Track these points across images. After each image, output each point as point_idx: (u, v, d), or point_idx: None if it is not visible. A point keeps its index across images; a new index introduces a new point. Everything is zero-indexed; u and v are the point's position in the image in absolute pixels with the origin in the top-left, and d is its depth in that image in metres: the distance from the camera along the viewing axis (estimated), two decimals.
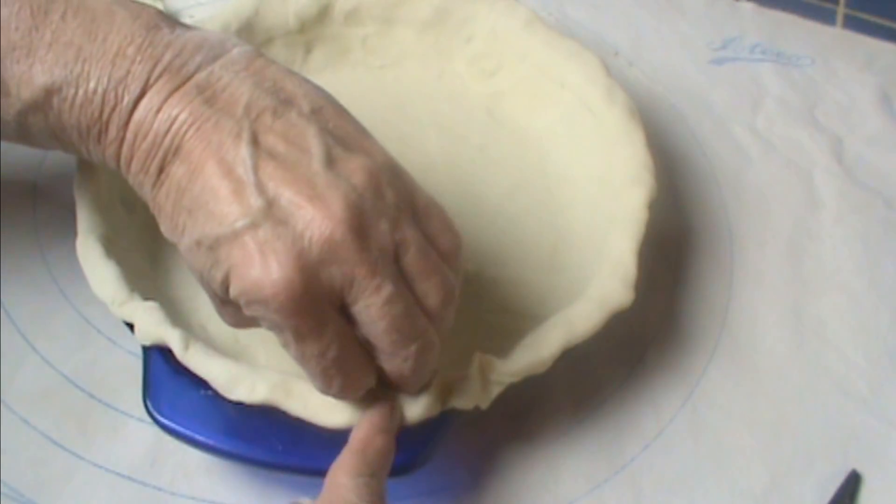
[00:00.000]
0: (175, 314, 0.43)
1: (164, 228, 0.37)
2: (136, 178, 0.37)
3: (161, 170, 0.36)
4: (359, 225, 0.34)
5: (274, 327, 0.35)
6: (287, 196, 0.34)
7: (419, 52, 0.57)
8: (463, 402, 0.40)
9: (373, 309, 0.35)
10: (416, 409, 0.39)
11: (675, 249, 0.53)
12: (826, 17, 0.66)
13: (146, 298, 0.43)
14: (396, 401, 0.39)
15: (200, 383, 0.40)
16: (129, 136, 0.36)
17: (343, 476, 0.34)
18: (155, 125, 0.36)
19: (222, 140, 0.35)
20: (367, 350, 0.37)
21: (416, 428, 0.40)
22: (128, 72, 0.36)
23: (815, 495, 0.44)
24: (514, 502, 0.43)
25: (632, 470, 0.45)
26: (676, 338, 0.49)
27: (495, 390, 0.41)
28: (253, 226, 0.34)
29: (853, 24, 0.65)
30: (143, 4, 0.39)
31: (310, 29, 0.56)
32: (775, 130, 0.59)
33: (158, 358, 0.41)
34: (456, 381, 0.40)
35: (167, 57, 0.37)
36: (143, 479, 0.43)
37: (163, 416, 0.41)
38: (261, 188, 0.34)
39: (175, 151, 0.36)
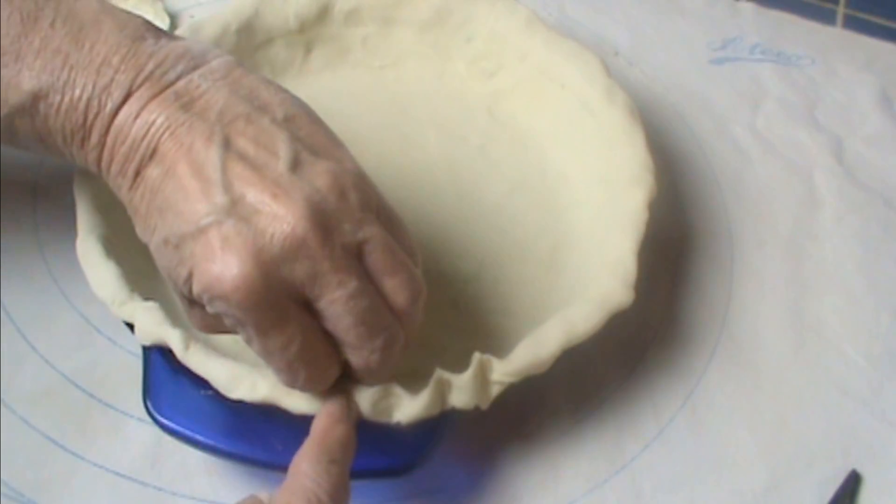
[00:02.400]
0: (175, 314, 0.43)
1: (139, 230, 0.38)
2: (115, 181, 0.38)
3: (137, 173, 0.37)
4: (321, 223, 0.35)
5: (236, 324, 0.36)
6: (251, 195, 0.35)
7: (419, 53, 0.57)
8: (463, 402, 0.40)
9: (338, 304, 0.35)
10: (415, 408, 0.39)
11: (675, 249, 0.53)
12: (826, 17, 0.66)
13: (146, 298, 0.43)
14: (353, 393, 0.39)
15: (200, 383, 0.40)
16: (110, 140, 0.37)
17: (304, 464, 0.35)
18: (133, 130, 0.37)
19: (194, 142, 0.36)
20: (331, 341, 0.37)
21: (416, 428, 0.40)
22: (112, 80, 0.37)
23: (815, 495, 0.44)
24: (514, 502, 0.43)
25: (632, 470, 0.45)
26: (676, 338, 0.49)
27: (495, 390, 0.41)
28: (216, 223, 0.35)
29: (853, 24, 0.65)
30: (130, 14, 0.40)
31: (310, 29, 0.56)
32: (775, 130, 0.59)
33: (158, 358, 0.42)
34: (456, 382, 0.40)
35: (149, 66, 0.38)
36: (143, 479, 0.43)
37: (163, 416, 0.41)
38: (227, 187, 0.35)
39: (151, 155, 0.37)
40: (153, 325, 0.41)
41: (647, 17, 0.66)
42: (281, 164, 0.36)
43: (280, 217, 0.34)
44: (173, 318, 0.42)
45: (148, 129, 0.37)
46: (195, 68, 0.38)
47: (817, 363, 0.49)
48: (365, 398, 0.39)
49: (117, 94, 0.37)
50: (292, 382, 0.37)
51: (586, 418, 0.46)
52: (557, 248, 0.50)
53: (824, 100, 0.61)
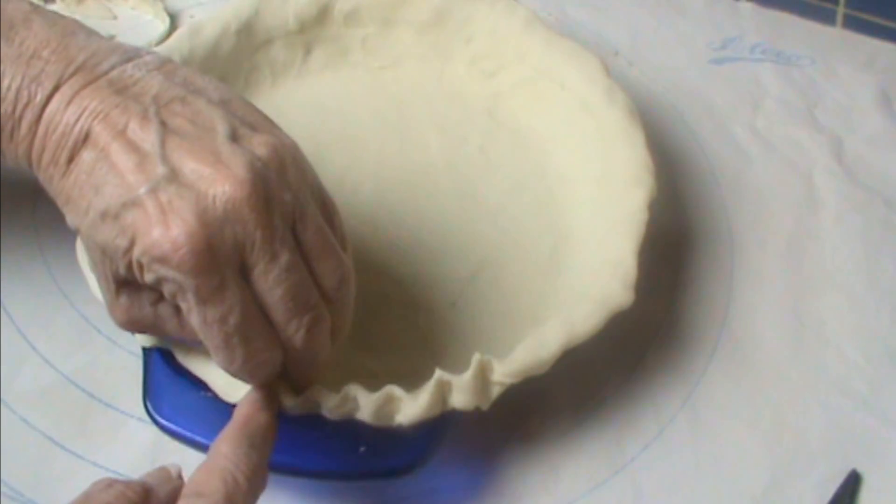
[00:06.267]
0: None
1: (71, 216, 0.37)
2: (46, 171, 0.38)
3: (70, 159, 0.37)
4: (262, 189, 0.35)
5: (177, 291, 0.35)
6: (191, 165, 0.35)
7: (419, 53, 0.57)
8: (463, 403, 0.40)
9: (271, 275, 0.35)
10: (416, 410, 0.39)
11: (675, 249, 0.53)
12: (826, 17, 0.66)
13: None
14: (280, 386, 0.39)
15: (200, 385, 0.40)
16: (41, 129, 0.37)
17: (224, 446, 0.35)
18: (66, 116, 0.37)
19: (129, 122, 0.36)
20: (269, 324, 0.37)
21: (417, 429, 0.40)
22: (42, 71, 0.37)
23: (815, 495, 0.44)
24: (514, 502, 0.44)
25: (632, 470, 0.45)
26: (676, 338, 0.49)
27: (495, 391, 0.41)
28: (155, 190, 0.34)
29: (853, 24, 0.65)
30: (62, 14, 0.40)
31: (309, 29, 0.56)
32: (775, 130, 0.59)
33: (158, 359, 0.42)
34: (456, 383, 0.40)
35: (81, 57, 0.38)
36: None
37: (163, 417, 0.41)
38: (165, 159, 0.35)
39: (84, 139, 0.36)
40: None
41: (647, 17, 0.66)
42: (219, 137, 0.36)
43: (221, 181, 0.34)
44: None
45: (80, 115, 0.36)
46: (128, 60, 0.38)
47: (817, 363, 0.49)
48: (368, 404, 0.39)
49: (48, 84, 0.37)
50: (230, 362, 0.36)
51: (586, 418, 0.46)
52: (557, 248, 0.50)
53: (824, 100, 0.61)
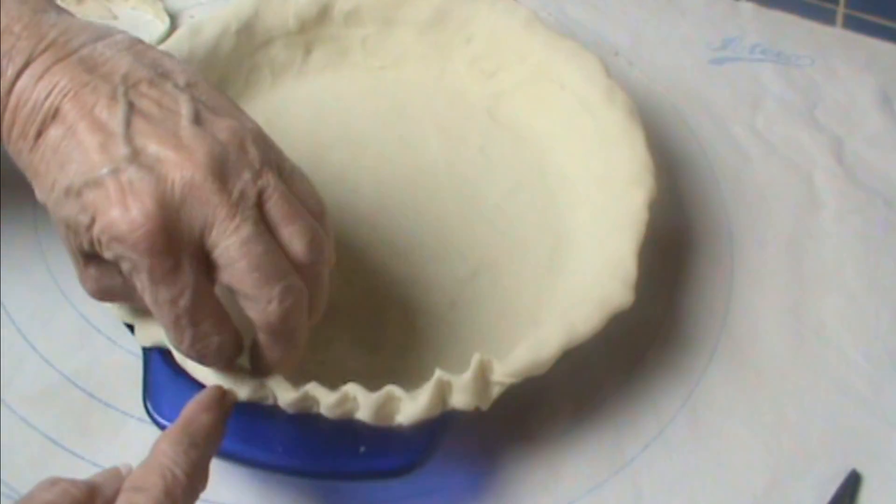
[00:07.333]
0: None
1: (39, 191, 0.38)
2: (16, 145, 0.38)
3: (39, 134, 0.37)
4: (220, 171, 0.36)
5: (132, 270, 0.36)
6: (153, 147, 0.36)
7: (419, 53, 0.57)
8: (463, 403, 0.40)
9: (232, 249, 0.36)
10: (416, 410, 0.39)
11: (675, 249, 0.53)
12: (826, 17, 0.66)
13: None
14: (231, 388, 0.39)
15: (200, 384, 0.40)
16: (12, 102, 0.38)
17: (164, 443, 0.35)
18: (36, 92, 0.37)
19: (98, 101, 0.37)
20: (223, 311, 0.37)
21: (417, 429, 0.40)
22: (13, 46, 0.38)
23: (815, 495, 0.44)
24: (514, 502, 0.44)
25: (632, 470, 0.45)
26: (676, 338, 0.49)
27: (495, 391, 0.41)
28: (119, 170, 0.35)
29: (853, 24, 0.65)
30: None
31: (310, 30, 0.56)
32: (775, 130, 0.59)
33: (158, 359, 0.42)
34: (456, 383, 0.40)
35: (52, 34, 0.38)
36: None
37: (163, 417, 0.41)
38: (129, 140, 0.36)
39: (53, 115, 0.37)
40: (153, 326, 0.41)
41: (647, 18, 0.66)
42: (183, 120, 0.37)
43: (181, 165, 0.36)
44: None
45: (51, 91, 0.37)
46: (99, 39, 0.39)
47: (817, 363, 0.49)
48: (368, 404, 0.39)
49: (19, 59, 0.38)
50: (179, 342, 0.37)
51: (586, 418, 0.46)
52: (557, 248, 0.50)
53: (824, 100, 0.61)
